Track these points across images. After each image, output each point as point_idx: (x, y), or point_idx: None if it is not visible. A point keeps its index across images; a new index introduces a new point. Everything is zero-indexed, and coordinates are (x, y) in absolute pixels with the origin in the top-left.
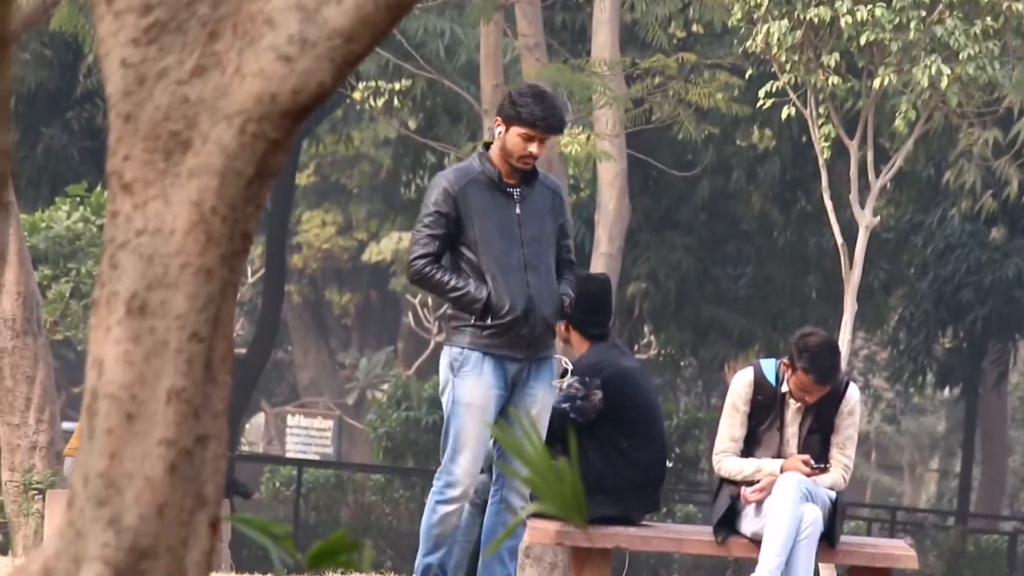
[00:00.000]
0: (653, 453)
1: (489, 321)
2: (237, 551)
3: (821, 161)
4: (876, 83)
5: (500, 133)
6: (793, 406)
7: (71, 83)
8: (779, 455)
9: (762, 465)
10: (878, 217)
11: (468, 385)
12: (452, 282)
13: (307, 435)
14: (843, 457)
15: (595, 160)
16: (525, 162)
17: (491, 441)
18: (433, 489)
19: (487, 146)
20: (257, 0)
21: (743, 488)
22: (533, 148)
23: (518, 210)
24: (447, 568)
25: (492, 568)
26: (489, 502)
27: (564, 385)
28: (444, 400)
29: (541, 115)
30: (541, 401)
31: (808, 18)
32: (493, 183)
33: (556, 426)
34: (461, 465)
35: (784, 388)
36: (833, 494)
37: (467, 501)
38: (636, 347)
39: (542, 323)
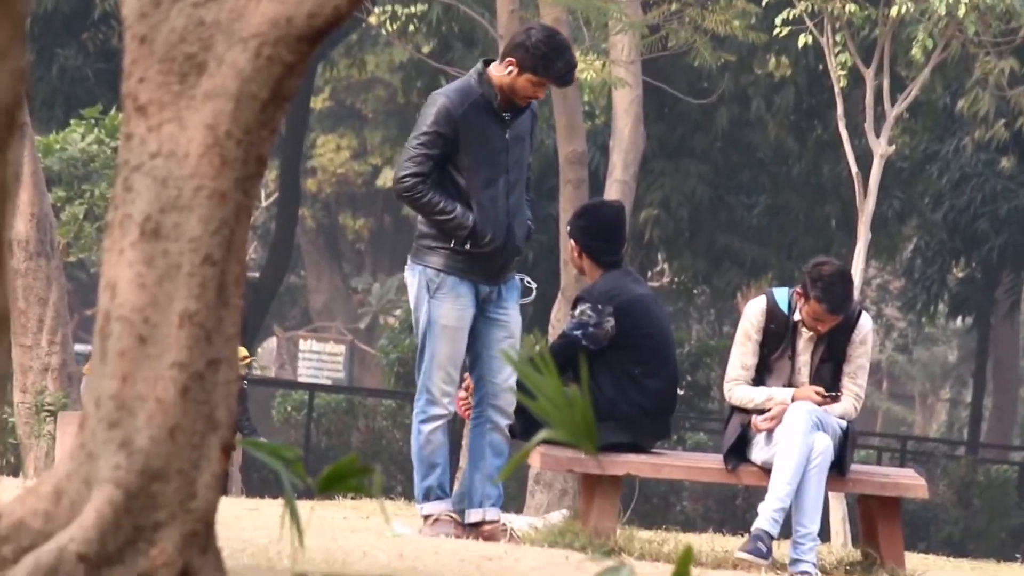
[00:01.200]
0: (665, 381)
1: (468, 247)
2: (248, 474)
3: (837, 89)
4: (893, 11)
5: (511, 72)
6: (805, 335)
7: (87, 4)
8: (790, 384)
9: (773, 394)
10: (893, 146)
11: (445, 307)
12: (441, 204)
13: (319, 360)
14: (854, 386)
15: (610, 87)
16: (526, 101)
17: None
18: (415, 411)
19: (487, 63)
20: None
21: (754, 416)
22: (540, 92)
23: (507, 135)
24: (446, 487)
25: (487, 490)
26: (471, 423)
27: (576, 312)
28: (419, 319)
29: (559, 70)
30: (515, 320)
31: None
32: (491, 107)
33: (568, 354)
34: (438, 384)
35: (796, 317)
36: (844, 423)
37: (447, 418)
38: (649, 275)
39: (515, 251)
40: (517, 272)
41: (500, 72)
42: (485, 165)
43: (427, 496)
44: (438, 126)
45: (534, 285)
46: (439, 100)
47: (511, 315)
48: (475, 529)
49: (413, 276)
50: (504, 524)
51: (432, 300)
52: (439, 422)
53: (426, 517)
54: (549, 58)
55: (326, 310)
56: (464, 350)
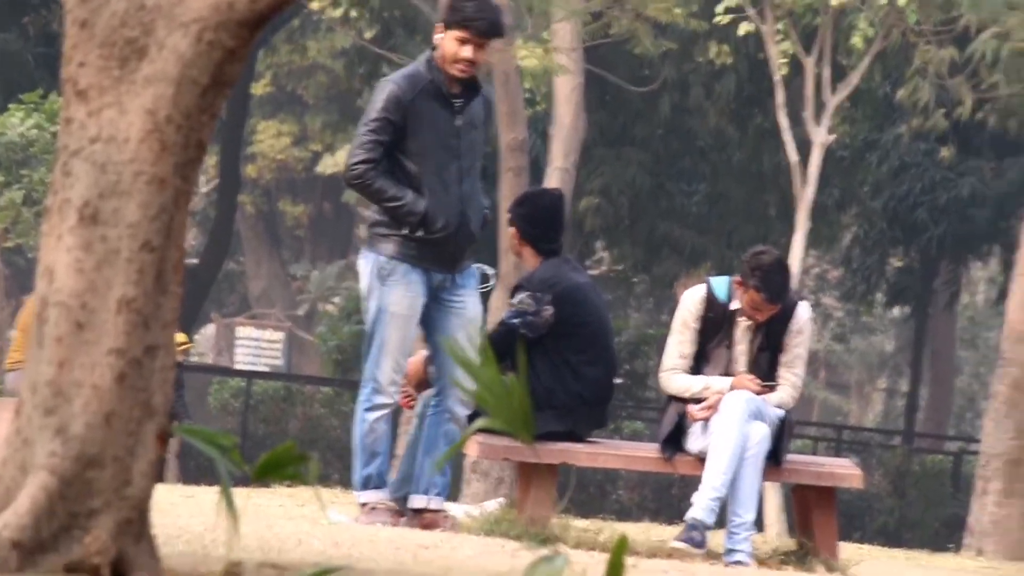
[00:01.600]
0: (602, 370)
1: (420, 234)
2: (184, 461)
3: (778, 78)
4: (834, 0)
5: (440, 39)
6: (743, 324)
7: None
8: (728, 373)
9: (710, 383)
10: (833, 135)
11: (396, 294)
12: (391, 191)
13: (257, 347)
14: (792, 375)
15: (552, 74)
16: (461, 69)
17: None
18: (359, 399)
19: (435, 50)
20: None
21: (690, 406)
22: (468, 52)
23: (458, 121)
24: (385, 477)
25: (434, 478)
26: (429, 412)
27: (515, 300)
28: (368, 307)
29: (473, 15)
30: (472, 307)
31: None
32: (440, 92)
33: (507, 342)
34: (385, 372)
35: (735, 306)
36: (781, 412)
37: (391, 407)
38: (587, 263)
39: (469, 238)
40: (475, 261)
41: (437, 45)
42: (436, 151)
43: (366, 484)
44: (387, 112)
45: (492, 271)
46: (387, 87)
47: (468, 302)
48: (417, 515)
49: (366, 264)
50: (446, 513)
51: (383, 287)
52: (384, 411)
53: (363, 505)
54: (464, 9)
55: (265, 297)
56: (413, 338)
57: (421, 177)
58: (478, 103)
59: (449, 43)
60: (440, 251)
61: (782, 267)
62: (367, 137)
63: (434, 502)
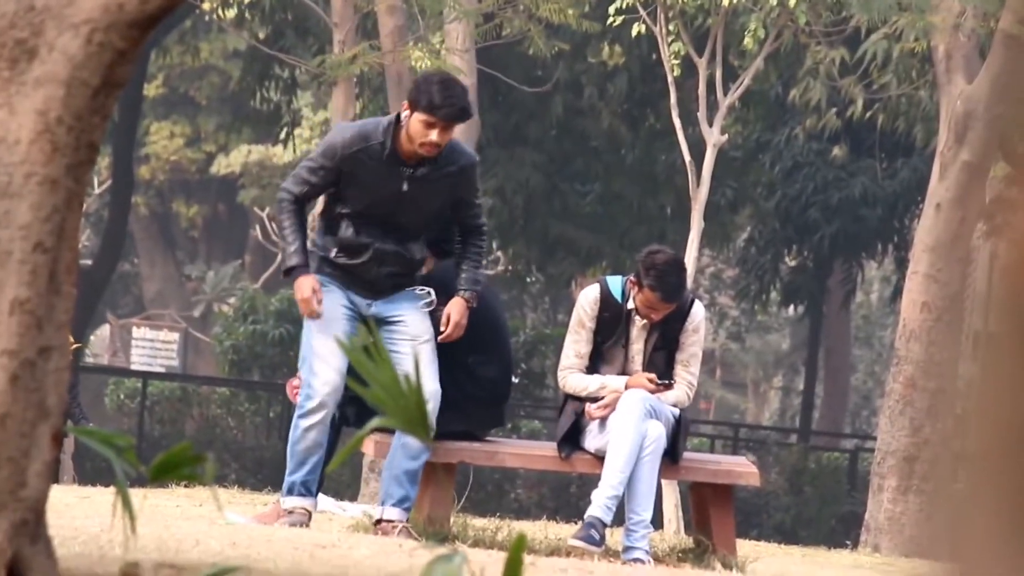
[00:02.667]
0: (499, 369)
1: (342, 260)
2: (80, 462)
3: (670, 78)
4: (725, 0)
5: (406, 116)
6: (639, 323)
7: None
8: (624, 372)
9: (606, 382)
10: (726, 135)
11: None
12: (287, 232)
13: (152, 347)
14: (687, 374)
15: None
16: (427, 149)
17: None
18: (297, 401)
19: (399, 117)
20: None
21: (587, 404)
22: (433, 136)
23: (405, 187)
24: (311, 487)
25: (390, 488)
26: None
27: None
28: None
29: (440, 103)
30: (412, 322)
31: None
32: (384, 155)
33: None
34: (319, 377)
35: (630, 305)
36: (677, 411)
37: (329, 415)
38: (484, 262)
39: (389, 281)
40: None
41: (404, 119)
42: (368, 205)
43: (289, 491)
44: (323, 158)
45: (427, 290)
46: (335, 135)
47: (406, 317)
48: (378, 525)
49: None
50: (396, 524)
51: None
52: (317, 417)
53: (289, 512)
54: (431, 93)
55: (159, 298)
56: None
57: (345, 219)
58: (443, 175)
59: (415, 124)
60: (357, 279)
61: (677, 266)
62: (301, 172)
63: (388, 512)
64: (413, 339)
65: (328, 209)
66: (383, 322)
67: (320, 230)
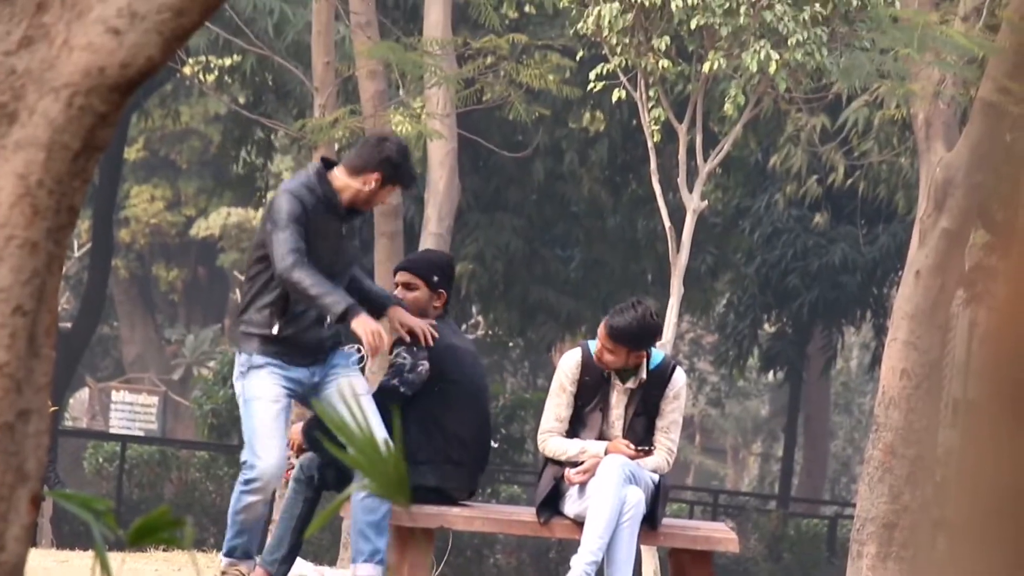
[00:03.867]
0: (472, 431)
1: (287, 333)
2: (59, 526)
3: (651, 144)
4: (706, 67)
5: (373, 185)
6: (619, 388)
7: None
8: (603, 437)
9: (586, 447)
10: (706, 201)
11: (255, 382)
12: (316, 285)
13: (132, 411)
14: (667, 440)
15: (425, 139)
16: (375, 207)
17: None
18: (239, 478)
19: (327, 164)
20: None
21: (567, 469)
22: (393, 198)
23: (343, 231)
24: (251, 552)
25: (359, 545)
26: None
27: (392, 355)
28: (240, 404)
29: (412, 175)
30: (352, 375)
31: (639, 1)
32: (331, 205)
33: (386, 405)
34: (261, 458)
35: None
36: (656, 477)
37: (270, 492)
38: (464, 327)
39: (329, 340)
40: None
41: (354, 183)
42: (323, 256)
43: (230, 553)
44: (296, 216)
45: (364, 351)
46: (291, 195)
47: (342, 373)
48: None
49: (236, 364)
50: None
51: (245, 380)
52: (260, 496)
53: (223, 572)
54: (408, 169)
55: (139, 361)
56: (283, 418)
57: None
58: (357, 214)
59: (380, 192)
60: (299, 349)
61: (638, 310)
62: (288, 239)
63: (360, 569)
64: (350, 384)
65: (267, 281)
66: (322, 382)
67: (256, 308)
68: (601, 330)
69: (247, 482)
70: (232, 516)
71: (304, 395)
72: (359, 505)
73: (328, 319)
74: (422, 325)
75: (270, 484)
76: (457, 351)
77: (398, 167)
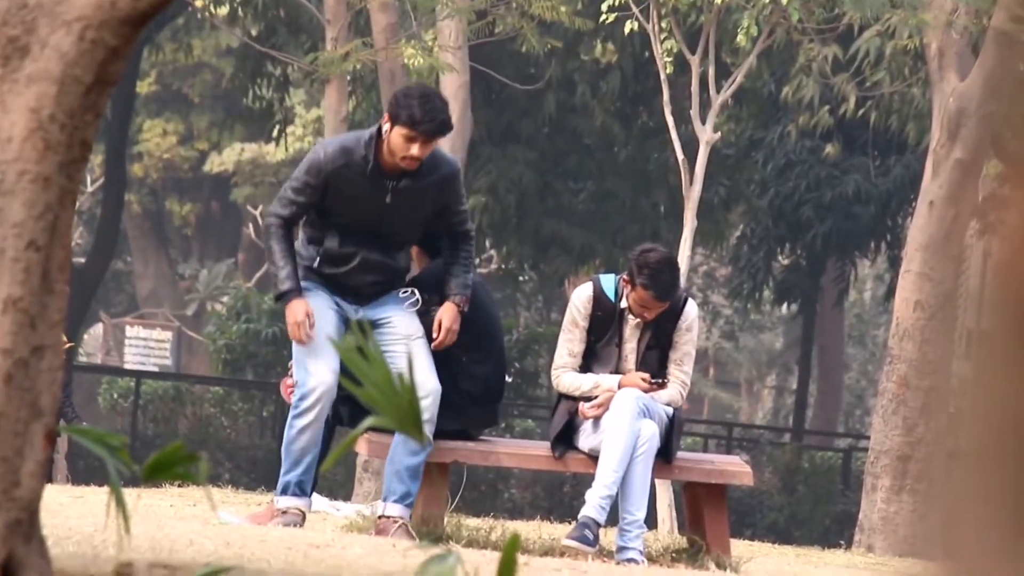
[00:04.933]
0: (492, 368)
1: (326, 270)
2: (73, 462)
3: (663, 76)
4: None
5: (386, 130)
6: (632, 322)
7: None
8: (617, 371)
9: (600, 381)
10: (718, 133)
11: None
12: (277, 256)
13: (146, 346)
14: (680, 373)
15: (438, 72)
16: (408, 163)
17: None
18: (292, 401)
19: (380, 130)
20: None
21: (581, 404)
22: (415, 149)
23: (388, 199)
24: (305, 487)
25: (392, 485)
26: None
27: (401, 294)
28: None
29: (420, 118)
30: (402, 322)
31: None
32: (367, 169)
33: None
34: (313, 374)
35: (623, 304)
36: (670, 410)
37: (326, 410)
38: (477, 261)
39: (371, 290)
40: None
41: (385, 132)
42: (353, 222)
43: (284, 490)
44: (308, 176)
45: (411, 290)
46: (318, 152)
47: (394, 318)
48: (378, 521)
49: None
50: (396, 519)
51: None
52: (312, 415)
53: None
54: (412, 108)
55: (153, 296)
56: (329, 336)
57: (330, 230)
58: (425, 185)
59: (395, 138)
60: (342, 287)
61: (670, 264)
62: (287, 194)
63: (389, 508)
64: (405, 338)
65: (312, 221)
66: (372, 325)
67: (304, 241)
68: (641, 294)
69: (300, 400)
70: (286, 447)
71: (347, 321)
72: (401, 445)
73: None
74: (445, 337)
75: (324, 399)
76: (472, 290)
77: (399, 104)
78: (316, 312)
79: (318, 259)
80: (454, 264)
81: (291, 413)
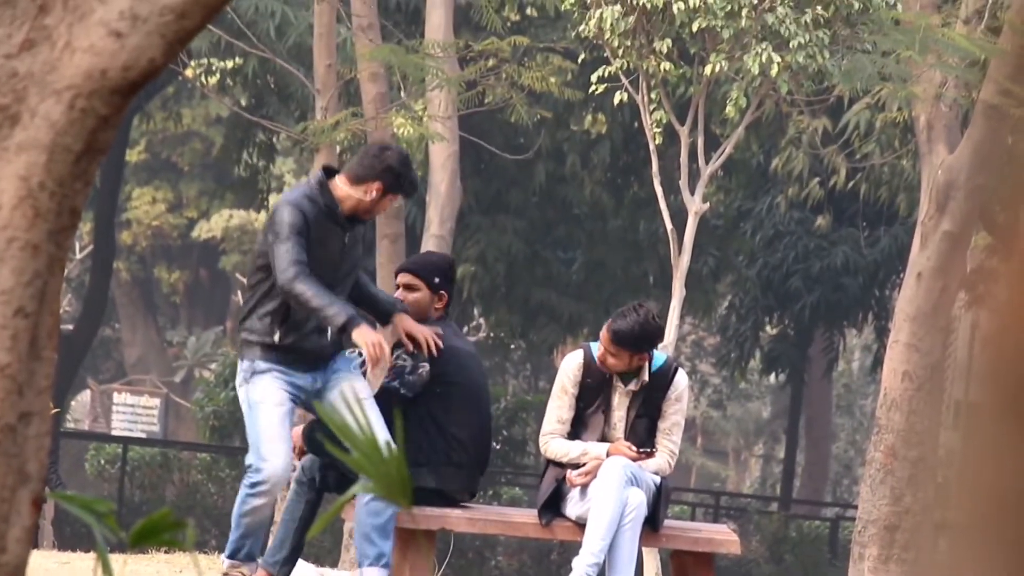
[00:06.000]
0: (472, 433)
1: (288, 341)
2: (60, 528)
3: (652, 147)
4: (708, 70)
5: (374, 195)
6: (621, 390)
7: None
8: (605, 439)
9: (588, 448)
10: (707, 203)
11: (259, 387)
12: (318, 296)
13: (133, 413)
14: (669, 442)
15: (427, 141)
16: (376, 216)
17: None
18: (244, 480)
19: (328, 173)
20: None
21: (569, 471)
22: (394, 205)
23: (346, 240)
24: (254, 554)
25: (364, 549)
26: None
27: (393, 357)
28: (244, 410)
29: (415, 183)
30: (352, 378)
31: (641, 4)
32: (333, 214)
33: (387, 406)
34: (268, 460)
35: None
36: (658, 478)
37: (276, 494)
38: (466, 329)
39: (330, 348)
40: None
41: (355, 192)
42: (323, 265)
43: (233, 555)
44: (297, 227)
45: (357, 351)
46: (290, 208)
47: (343, 375)
48: None
49: (239, 371)
50: None
51: (248, 386)
52: (266, 498)
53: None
54: (411, 179)
55: (141, 363)
56: (287, 422)
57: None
58: (363, 227)
59: (382, 201)
60: (300, 356)
61: (641, 314)
62: (291, 249)
63: (366, 572)
64: (351, 383)
65: (266, 295)
66: (324, 386)
67: (256, 316)
68: (604, 334)
69: (253, 485)
70: (237, 518)
71: (306, 401)
72: (364, 509)
73: (330, 330)
74: (427, 333)
75: (276, 486)
76: (459, 353)
77: (399, 176)
78: (271, 396)
79: (277, 332)
80: (368, 288)
81: (246, 491)
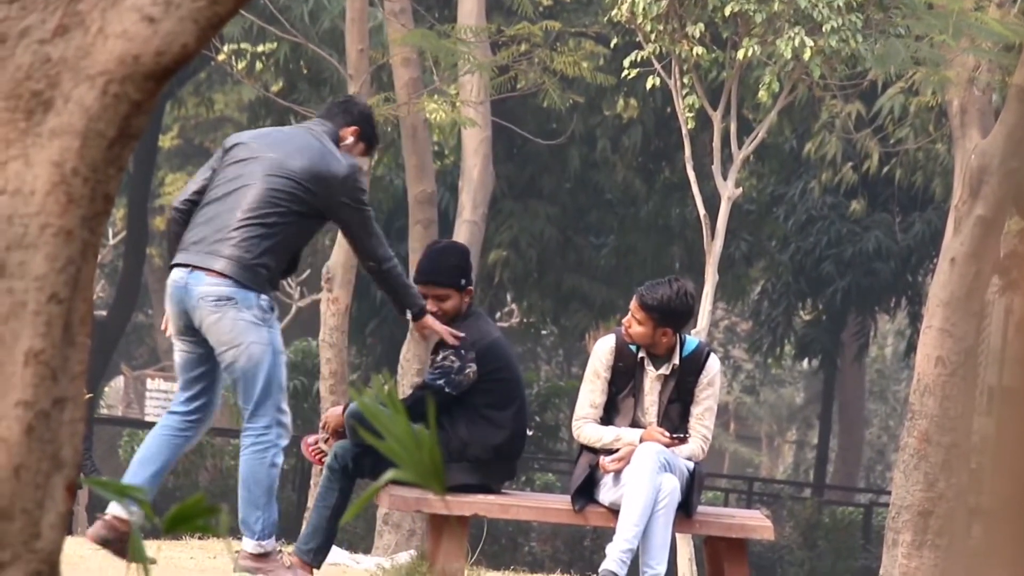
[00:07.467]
0: (516, 422)
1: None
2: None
3: (685, 131)
4: (740, 54)
5: (348, 144)
6: (652, 374)
7: None
8: (637, 423)
9: (621, 434)
10: (740, 188)
11: (277, 333)
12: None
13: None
14: (702, 428)
15: (460, 127)
16: None
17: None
18: (266, 442)
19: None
20: None
21: (602, 457)
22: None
23: None
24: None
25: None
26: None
27: (439, 358)
28: (249, 345)
29: (378, 138)
30: None
31: None
32: None
33: (423, 403)
34: (288, 414)
35: (643, 354)
36: (691, 464)
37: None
38: (498, 315)
39: None
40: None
41: (346, 146)
42: None
43: (272, 534)
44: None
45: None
46: (358, 170)
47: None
48: None
49: (249, 302)
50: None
51: (270, 329)
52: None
53: (265, 554)
54: (376, 129)
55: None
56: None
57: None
58: None
59: (360, 155)
60: None
61: (672, 285)
62: (373, 216)
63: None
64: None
65: (293, 237)
66: None
67: (272, 257)
68: (633, 300)
69: (276, 442)
70: (267, 490)
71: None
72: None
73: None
74: (445, 331)
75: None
76: (500, 347)
77: (373, 126)
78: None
79: (276, 279)
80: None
81: (272, 452)
